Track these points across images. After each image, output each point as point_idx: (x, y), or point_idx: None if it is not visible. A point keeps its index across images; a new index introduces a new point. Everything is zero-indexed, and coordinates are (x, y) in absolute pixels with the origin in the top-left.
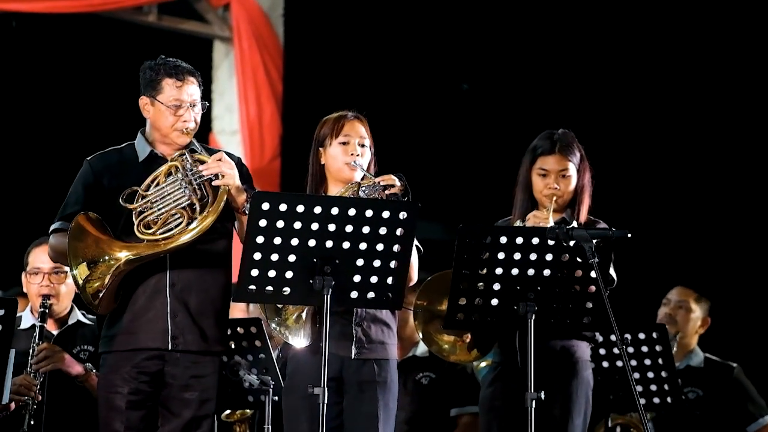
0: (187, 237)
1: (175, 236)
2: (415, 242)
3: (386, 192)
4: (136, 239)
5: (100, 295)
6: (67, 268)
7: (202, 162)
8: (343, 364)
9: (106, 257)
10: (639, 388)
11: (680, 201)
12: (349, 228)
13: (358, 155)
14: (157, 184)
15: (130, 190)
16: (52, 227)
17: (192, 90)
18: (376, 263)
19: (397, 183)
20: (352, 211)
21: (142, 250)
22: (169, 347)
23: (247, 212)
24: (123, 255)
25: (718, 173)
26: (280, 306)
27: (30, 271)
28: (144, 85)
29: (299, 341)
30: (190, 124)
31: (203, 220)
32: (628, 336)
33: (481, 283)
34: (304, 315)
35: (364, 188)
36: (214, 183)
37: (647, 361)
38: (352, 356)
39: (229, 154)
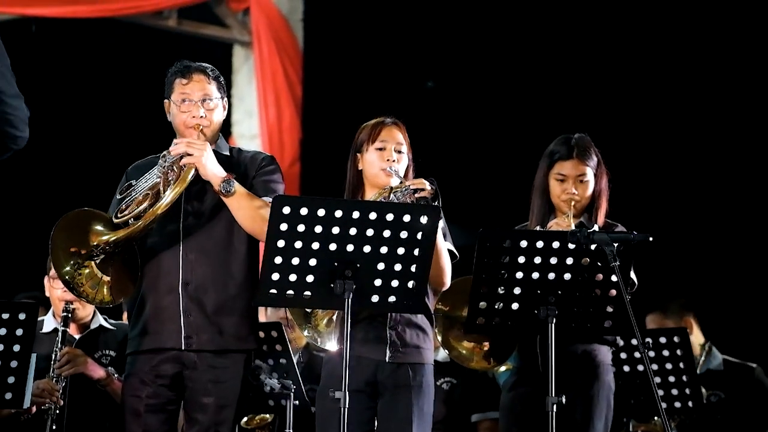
0: (155, 210)
1: (142, 214)
2: (452, 247)
3: (416, 195)
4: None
5: (109, 288)
6: None
7: None
8: (377, 367)
9: (68, 267)
10: (660, 393)
11: (696, 202)
12: (370, 232)
13: (394, 161)
14: None
15: (127, 184)
16: None
17: (200, 86)
18: (397, 267)
19: (428, 186)
20: (373, 215)
21: (113, 235)
22: (183, 347)
23: (225, 193)
24: (83, 259)
25: (737, 175)
26: (309, 312)
27: (53, 276)
28: (165, 90)
29: (333, 345)
30: (202, 121)
31: (170, 193)
32: (648, 340)
33: (501, 287)
34: (334, 318)
35: (396, 193)
36: (181, 162)
37: (668, 366)
38: (387, 360)
39: (259, 153)
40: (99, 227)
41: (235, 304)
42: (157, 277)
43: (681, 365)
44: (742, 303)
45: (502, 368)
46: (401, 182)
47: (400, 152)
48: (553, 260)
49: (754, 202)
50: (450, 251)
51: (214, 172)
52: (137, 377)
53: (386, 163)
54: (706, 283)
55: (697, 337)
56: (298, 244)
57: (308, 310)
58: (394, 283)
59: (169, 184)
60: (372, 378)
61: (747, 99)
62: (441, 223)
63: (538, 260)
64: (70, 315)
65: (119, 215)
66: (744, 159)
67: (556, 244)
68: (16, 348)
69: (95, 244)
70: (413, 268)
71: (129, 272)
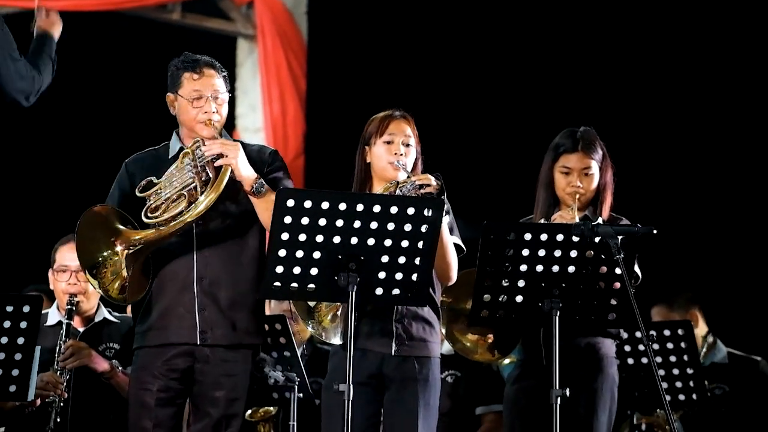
0: (187, 217)
1: (178, 217)
2: (459, 241)
3: (422, 191)
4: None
5: (126, 287)
6: None
7: None
8: (383, 360)
9: (105, 253)
10: (664, 385)
11: (701, 196)
12: (374, 224)
13: (401, 155)
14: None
15: (146, 181)
16: None
17: (212, 82)
18: (401, 260)
19: (433, 182)
20: (377, 208)
21: (145, 235)
22: (197, 342)
23: (257, 193)
24: (120, 248)
25: (742, 168)
26: (311, 306)
27: (57, 269)
28: (169, 83)
29: (338, 340)
30: (214, 116)
31: (205, 199)
32: (653, 332)
33: (505, 280)
34: (338, 314)
35: (402, 188)
36: (216, 163)
37: (672, 358)
38: (392, 353)
39: (264, 147)
40: (123, 226)
41: (247, 300)
42: (171, 272)
43: (685, 358)
44: (748, 296)
45: (506, 361)
46: (408, 177)
47: (408, 145)
48: (558, 253)
49: (760, 196)
50: (457, 245)
51: (248, 173)
52: (147, 371)
53: (394, 156)
54: (711, 276)
55: (701, 330)
56: (302, 237)
57: (311, 305)
58: (398, 276)
59: (204, 185)
60: (378, 371)
61: (752, 93)
62: (448, 218)
63: (542, 253)
64: (74, 308)
65: (150, 214)
66: (749, 152)
67: (560, 237)
68: (21, 341)
69: (138, 237)
70: (417, 261)
71: (144, 278)
